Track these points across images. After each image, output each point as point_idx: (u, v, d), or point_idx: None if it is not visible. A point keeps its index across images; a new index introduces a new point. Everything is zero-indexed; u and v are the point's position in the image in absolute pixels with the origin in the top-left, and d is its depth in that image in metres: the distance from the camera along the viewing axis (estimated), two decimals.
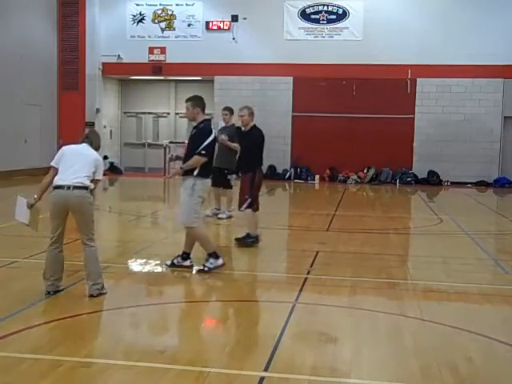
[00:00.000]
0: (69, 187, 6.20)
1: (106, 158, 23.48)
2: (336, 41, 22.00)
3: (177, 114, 24.91)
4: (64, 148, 6.62)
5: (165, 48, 22.94)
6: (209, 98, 22.93)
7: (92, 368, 4.54)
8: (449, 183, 21.51)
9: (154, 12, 23.12)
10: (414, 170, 21.90)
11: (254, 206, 9.12)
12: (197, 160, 7.28)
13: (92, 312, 5.93)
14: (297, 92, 22.07)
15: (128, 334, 5.42)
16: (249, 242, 9.20)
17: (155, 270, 7.86)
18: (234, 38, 22.55)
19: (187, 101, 7.56)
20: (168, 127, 25.08)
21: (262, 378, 4.40)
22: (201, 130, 7.44)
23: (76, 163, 6.35)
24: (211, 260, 7.49)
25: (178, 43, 22.85)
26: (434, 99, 21.78)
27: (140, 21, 23.21)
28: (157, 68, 22.94)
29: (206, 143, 7.30)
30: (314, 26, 22.19)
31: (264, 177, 9.83)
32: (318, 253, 8.87)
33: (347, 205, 15.66)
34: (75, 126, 22.81)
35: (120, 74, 23.82)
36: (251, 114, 9.24)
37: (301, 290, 6.89)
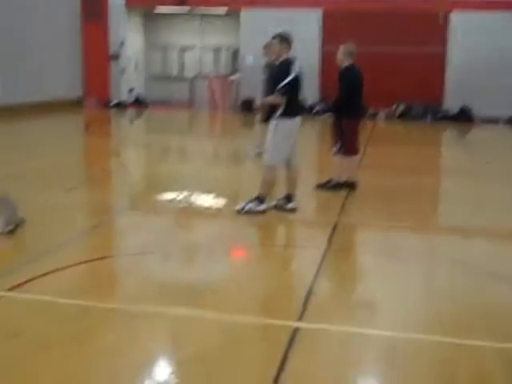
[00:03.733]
0: None
1: (131, 90, 23.27)
2: None
3: (203, 46, 24.45)
4: None
5: None
6: (235, 32, 22.49)
7: (121, 314, 4.49)
8: (481, 120, 20.96)
9: None
10: (446, 106, 21.35)
11: (342, 149, 8.74)
12: (274, 99, 7.21)
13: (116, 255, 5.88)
14: (326, 25, 21.43)
15: (158, 279, 5.33)
16: (328, 186, 8.81)
17: (185, 209, 7.75)
18: None
19: (274, 37, 7.36)
20: (193, 60, 24.66)
21: (296, 329, 4.30)
22: (281, 69, 7.27)
23: None
24: (255, 203, 7.32)
25: None
26: (467, 33, 21.00)
27: None
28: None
29: (284, 82, 7.11)
30: None
31: None
32: (348, 194, 8.68)
33: (376, 142, 15.32)
34: (100, 59, 22.53)
35: (145, 5, 23.26)
36: (346, 53, 8.62)
37: (332, 233, 6.75)
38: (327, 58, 21.25)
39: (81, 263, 5.46)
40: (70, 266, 5.29)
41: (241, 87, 21.72)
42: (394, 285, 5.33)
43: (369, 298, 4.99)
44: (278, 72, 7.32)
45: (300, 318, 4.45)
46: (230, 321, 4.39)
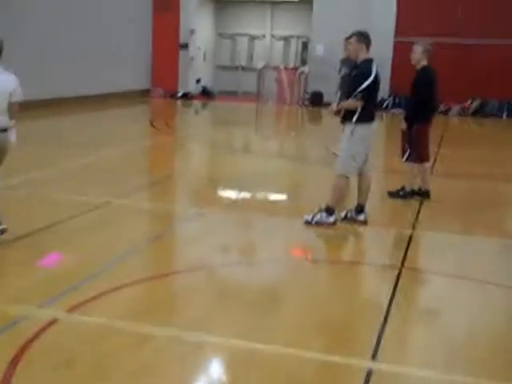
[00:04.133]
0: None
1: (198, 81, 23.13)
2: None
3: (273, 36, 24.07)
4: None
5: None
6: (306, 22, 21.99)
7: (184, 343, 4.21)
8: None
9: None
10: None
11: (413, 156, 8.19)
12: (351, 103, 6.76)
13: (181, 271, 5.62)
14: (401, 13, 20.70)
15: (224, 300, 5.02)
16: (400, 195, 8.33)
17: (247, 218, 7.45)
18: None
19: (351, 36, 6.92)
20: (263, 50, 24.31)
21: (370, 372, 3.92)
22: (360, 71, 6.82)
23: None
24: (324, 214, 6.93)
25: None
26: None
27: None
28: None
29: (363, 86, 6.66)
30: None
31: None
32: (421, 203, 8.19)
33: (451, 142, 14.61)
34: (169, 48, 22.45)
35: None
36: (424, 52, 8.01)
37: (406, 249, 6.31)
38: (399, 50, 20.55)
39: (143, 280, 5.21)
40: (131, 284, 5.03)
41: (310, 79, 21.26)
42: (479, 315, 4.88)
43: (454, 334, 4.53)
44: (357, 73, 6.84)
45: (374, 357, 4.06)
46: (293, 356, 4.02)
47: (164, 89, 22.39)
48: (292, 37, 23.82)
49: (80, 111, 16.24)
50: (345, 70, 10.65)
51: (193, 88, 22.89)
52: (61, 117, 15.32)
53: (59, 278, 5.11)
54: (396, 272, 5.60)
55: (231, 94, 23.81)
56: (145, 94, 22.07)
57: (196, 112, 21.03)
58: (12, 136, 5.83)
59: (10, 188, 7.02)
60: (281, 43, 24.15)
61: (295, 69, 22.19)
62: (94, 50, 18.70)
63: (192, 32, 22.71)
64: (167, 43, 22.36)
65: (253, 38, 24.41)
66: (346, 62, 10.92)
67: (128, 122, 15.81)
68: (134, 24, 21.26)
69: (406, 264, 5.84)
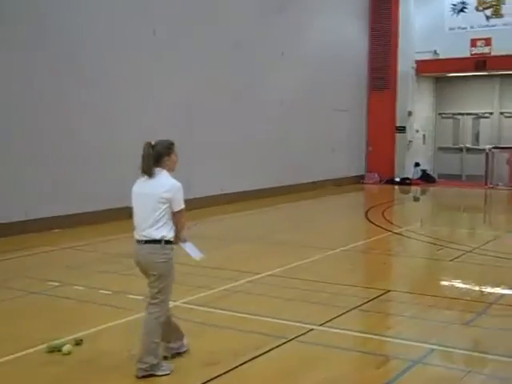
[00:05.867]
0: (140, 241, 4.74)
1: (417, 164, 21.29)
2: None
3: (502, 113, 21.56)
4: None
5: (490, 39, 19.78)
6: None
7: None
8: None
9: None
10: None
11: None
12: None
13: None
14: None
15: None
16: None
17: None
18: None
19: None
20: (490, 129, 21.84)
21: None
22: None
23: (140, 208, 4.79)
24: None
25: (507, 32, 19.47)
26: None
27: (461, 10, 20.38)
28: (480, 62, 19.88)
29: None
30: None
31: None
32: None
33: None
34: (384, 131, 21.04)
35: (436, 71, 21.32)
36: None
37: None
38: None
39: None
40: None
41: None
42: None
43: None
44: None
45: None
46: None
47: (380, 174, 20.85)
48: None
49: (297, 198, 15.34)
50: None
51: (411, 172, 21.05)
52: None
53: None
54: None
55: (454, 178, 21.53)
56: (359, 179, 20.71)
57: (415, 199, 19.08)
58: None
59: None
60: (511, 121, 21.53)
61: None
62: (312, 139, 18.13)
63: (409, 113, 21.08)
64: (383, 125, 20.99)
65: (478, 116, 22.09)
66: None
67: (340, 214, 14.40)
68: (348, 106, 20.21)
69: None
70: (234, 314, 6.28)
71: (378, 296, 7.01)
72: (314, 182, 18.20)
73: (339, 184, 19.30)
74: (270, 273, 8.06)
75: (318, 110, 18.56)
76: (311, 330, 5.79)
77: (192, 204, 4.77)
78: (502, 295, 7.21)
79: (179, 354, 5.06)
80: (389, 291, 7.24)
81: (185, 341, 5.10)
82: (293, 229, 11.97)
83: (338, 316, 6.20)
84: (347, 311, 6.38)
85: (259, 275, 7.92)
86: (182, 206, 4.71)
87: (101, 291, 7.11)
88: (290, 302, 6.81)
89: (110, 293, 7.05)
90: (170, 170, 4.79)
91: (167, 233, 4.67)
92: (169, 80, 13.34)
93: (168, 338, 4.99)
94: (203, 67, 14.23)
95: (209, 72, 14.37)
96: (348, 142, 20.46)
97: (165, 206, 4.64)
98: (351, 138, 20.65)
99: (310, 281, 7.66)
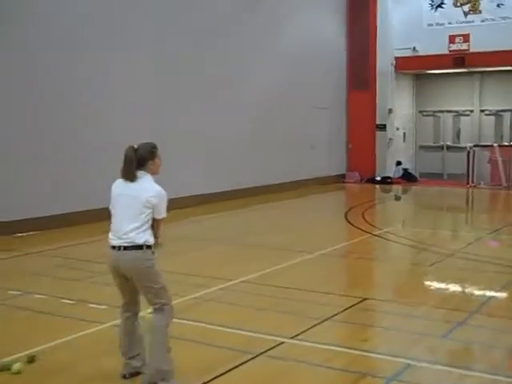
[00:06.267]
0: (119, 247, 4.47)
1: (399, 163, 21.06)
2: None
3: (482, 111, 21.37)
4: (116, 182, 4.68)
5: (468, 35, 19.56)
6: None
7: None
8: None
9: None
10: None
11: None
12: None
13: None
14: None
15: None
16: None
17: None
18: None
19: None
20: (471, 127, 21.65)
21: None
22: None
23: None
24: None
25: (485, 28, 19.26)
26: None
27: (439, 5, 20.13)
28: (459, 59, 19.65)
29: None
30: None
31: None
32: None
33: None
34: (365, 129, 20.78)
35: (415, 68, 21.09)
36: None
37: None
38: None
39: None
40: None
41: None
42: None
43: None
44: None
45: None
46: None
47: (361, 173, 20.59)
48: (505, 111, 20.94)
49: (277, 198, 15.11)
50: None
51: (392, 171, 20.80)
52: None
53: None
54: None
55: (435, 177, 21.32)
56: (338, 178, 20.43)
57: (397, 198, 18.83)
58: None
59: None
60: (492, 118, 21.34)
61: (511, 147, 19.34)
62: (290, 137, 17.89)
63: (390, 111, 20.83)
64: (363, 124, 20.71)
65: (458, 114, 21.89)
66: None
67: (320, 215, 14.11)
68: (328, 105, 19.90)
69: None
70: (203, 325, 5.95)
71: (355, 304, 6.67)
72: (293, 182, 17.88)
73: (323, 183, 19.01)
74: (243, 279, 7.73)
75: (297, 108, 18.23)
76: (282, 343, 5.45)
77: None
78: (484, 303, 6.90)
79: (139, 374, 4.71)
80: (365, 299, 6.87)
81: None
82: (271, 231, 11.64)
83: (310, 327, 5.86)
84: (321, 322, 6.04)
85: (232, 282, 7.59)
86: (165, 214, 4.56)
87: (63, 300, 6.77)
88: (262, 311, 6.48)
89: (72, 302, 6.70)
90: (154, 173, 4.60)
91: (149, 237, 4.49)
92: (137, 79, 12.97)
93: (131, 352, 4.66)
94: (176, 65, 13.85)
95: (182, 70, 13.98)
96: (328, 141, 20.15)
97: (149, 211, 4.47)
98: (332, 137, 20.35)
99: (284, 288, 7.32)
